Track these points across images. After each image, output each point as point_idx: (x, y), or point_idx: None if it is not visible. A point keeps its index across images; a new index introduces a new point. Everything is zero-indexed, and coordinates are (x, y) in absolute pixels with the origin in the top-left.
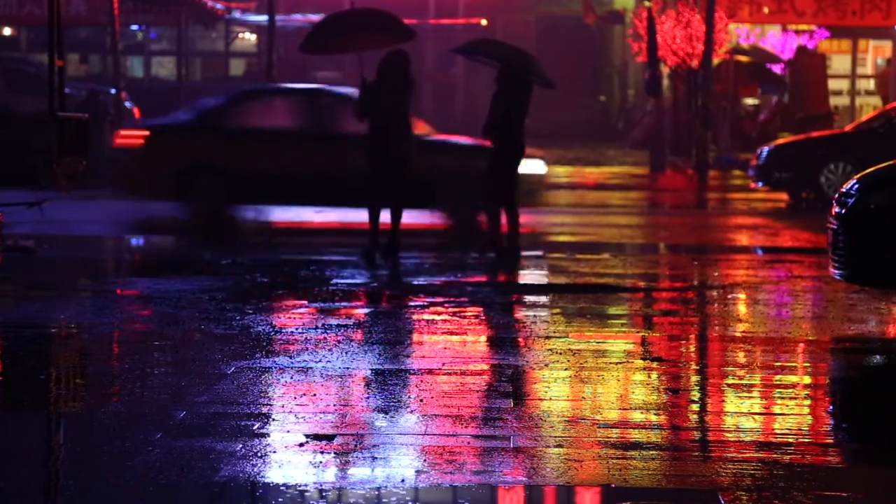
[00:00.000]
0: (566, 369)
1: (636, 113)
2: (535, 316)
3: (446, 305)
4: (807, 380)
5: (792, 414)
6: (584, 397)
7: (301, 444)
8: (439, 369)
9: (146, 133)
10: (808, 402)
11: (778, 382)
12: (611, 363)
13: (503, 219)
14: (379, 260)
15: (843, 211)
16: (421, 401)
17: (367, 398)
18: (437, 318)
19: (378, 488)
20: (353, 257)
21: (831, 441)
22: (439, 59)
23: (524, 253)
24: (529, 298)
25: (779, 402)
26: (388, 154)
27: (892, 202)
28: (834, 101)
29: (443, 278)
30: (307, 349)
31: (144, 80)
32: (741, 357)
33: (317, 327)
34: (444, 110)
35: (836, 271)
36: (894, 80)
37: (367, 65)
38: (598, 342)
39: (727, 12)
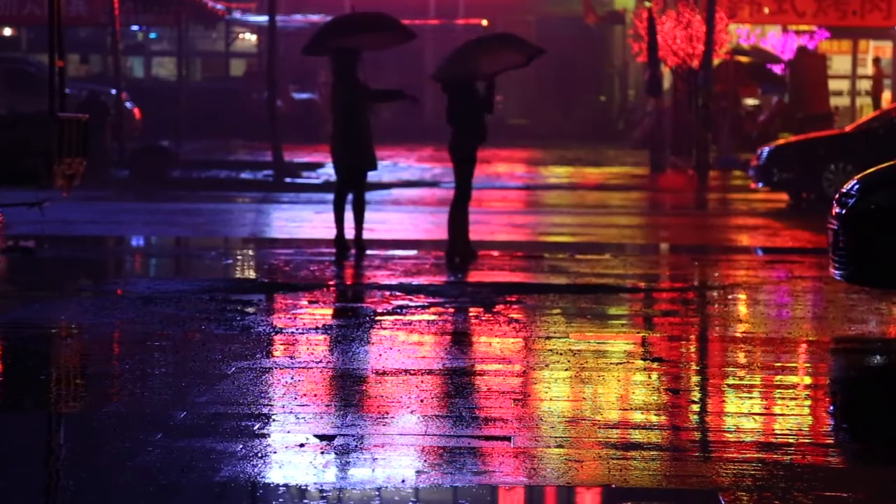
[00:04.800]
0: (567, 369)
1: (636, 113)
2: (535, 316)
3: (447, 305)
4: (807, 380)
5: (792, 414)
6: (584, 398)
7: (301, 445)
8: (439, 369)
9: None
10: (808, 402)
11: (778, 383)
12: (611, 363)
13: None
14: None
15: (844, 211)
16: (421, 401)
17: (367, 398)
18: (437, 318)
19: (379, 489)
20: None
21: (831, 441)
22: (439, 59)
23: (524, 253)
24: (530, 298)
25: (779, 402)
26: (349, 152)
27: (893, 202)
28: (834, 101)
29: (442, 278)
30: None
31: (145, 81)
32: (741, 357)
33: (317, 327)
34: (444, 110)
35: (837, 271)
36: (894, 80)
37: (367, 65)
38: (598, 342)
39: (727, 13)
